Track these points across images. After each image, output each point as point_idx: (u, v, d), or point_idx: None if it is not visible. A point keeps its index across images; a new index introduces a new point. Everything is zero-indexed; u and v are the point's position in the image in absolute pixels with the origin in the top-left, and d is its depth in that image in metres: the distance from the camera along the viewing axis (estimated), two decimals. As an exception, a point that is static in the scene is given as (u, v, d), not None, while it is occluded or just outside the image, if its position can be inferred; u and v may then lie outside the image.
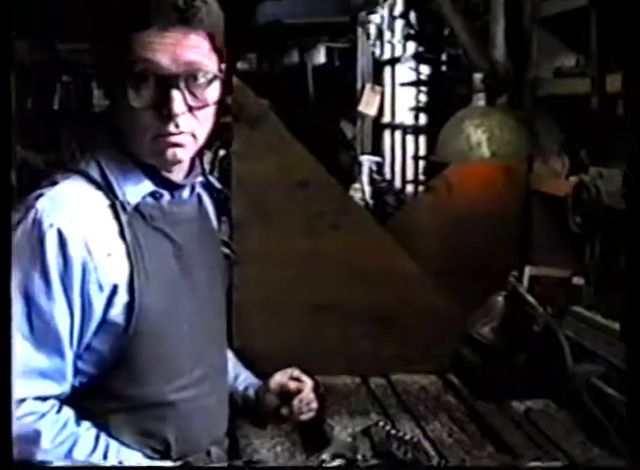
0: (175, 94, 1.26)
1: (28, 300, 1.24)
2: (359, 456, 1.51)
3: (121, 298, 1.29)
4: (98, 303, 1.28)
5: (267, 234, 2.32)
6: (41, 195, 1.28)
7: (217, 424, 1.48)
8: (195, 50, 1.26)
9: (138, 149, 1.33)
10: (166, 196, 1.38)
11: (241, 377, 1.64)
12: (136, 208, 1.33)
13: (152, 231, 1.35)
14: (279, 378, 1.60)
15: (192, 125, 1.30)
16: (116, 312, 1.29)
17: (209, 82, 1.29)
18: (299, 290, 2.33)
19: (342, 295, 2.32)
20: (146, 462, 1.33)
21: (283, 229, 2.38)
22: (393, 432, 1.61)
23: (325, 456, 1.48)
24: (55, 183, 1.31)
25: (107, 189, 1.32)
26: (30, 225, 1.25)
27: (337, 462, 1.44)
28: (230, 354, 1.63)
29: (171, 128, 1.28)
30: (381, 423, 1.67)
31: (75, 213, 1.27)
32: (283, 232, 2.39)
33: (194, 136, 1.32)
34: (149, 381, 1.33)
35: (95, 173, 1.33)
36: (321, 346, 2.18)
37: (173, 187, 1.39)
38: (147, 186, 1.35)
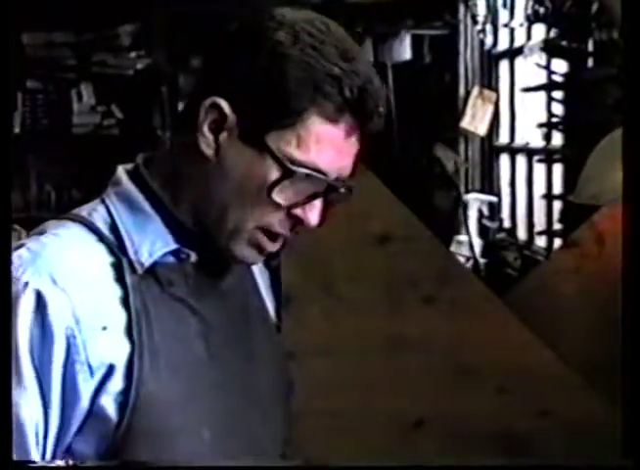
0: (318, 205, 1.42)
1: None
2: None
3: (116, 384, 1.37)
4: (85, 389, 1.36)
5: (332, 312, 2.36)
6: (21, 246, 1.39)
7: None
8: (352, 162, 1.43)
9: (224, 228, 1.44)
10: (193, 256, 1.47)
11: None
12: (150, 269, 1.43)
13: (169, 301, 1.44)
14: None
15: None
16: (107, 402, 1.37)
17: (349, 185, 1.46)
18: (381, 395, 2.36)
19: (444, 402, 2.34)
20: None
21: (355, 305, 2.42)
22: None
23: None
24: (43, 232, 1.43)
25: (114, 244, 1.43)
26: None
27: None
28: None
29: (287, 232, 1.43)
30: None
31: (61, 270, 1.37)
32: (355, 309, 2.43)
33: None
34: None
35: (102, 223, 1.44)
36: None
37: (208, 249, 1.48)
38: (168, 242, 1.45)
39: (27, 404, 1.35)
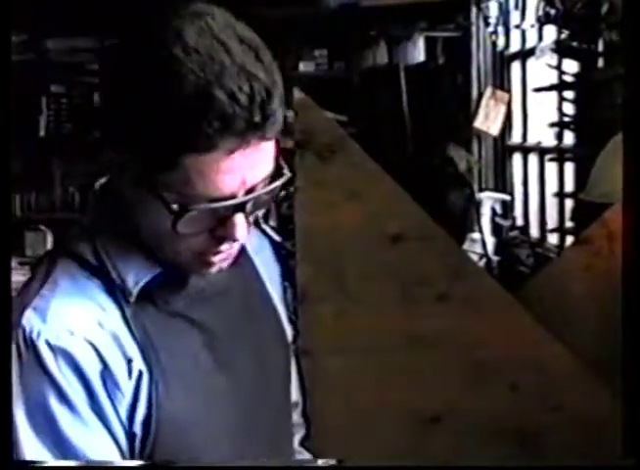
0: (239, 219, 1.37)
1: (59, 439, 1.34)
2: None
3: (140, 412, 1.40)
4: (124, 417, 1.39)
5: (347, 311, 2.34)
6: (25, 307, 1.38)
7: None
8: (265, 164, 1.37)
9: (167, 256, 1.43)
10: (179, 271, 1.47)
11: None
12: (142, 292, 1.41)
13: (168, 319, 1.44)
14: None
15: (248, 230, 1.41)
16: (136, 430, 1.40)
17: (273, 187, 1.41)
18: (395, 392, 2.34)
19: (458, 398, 2.31)
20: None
21: (369, 303, 2.40)
22: None
23: None
24: (41, 279, 1.42)
25: (102, 274, 1.42)
26: (24, 351, 1.35)
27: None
28: None
29: (226, 247, 1.40)
30: None
31: (73, 320, 1.37)
32: (369, 307, 2.41)
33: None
34: None
35: (89, 255, 1.43)
36: (428, 473, 2.17)
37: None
38: (153, 267, 1.44)
39: (103, 447, 1.37)
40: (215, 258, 1.41)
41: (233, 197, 1.34)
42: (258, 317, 1.60)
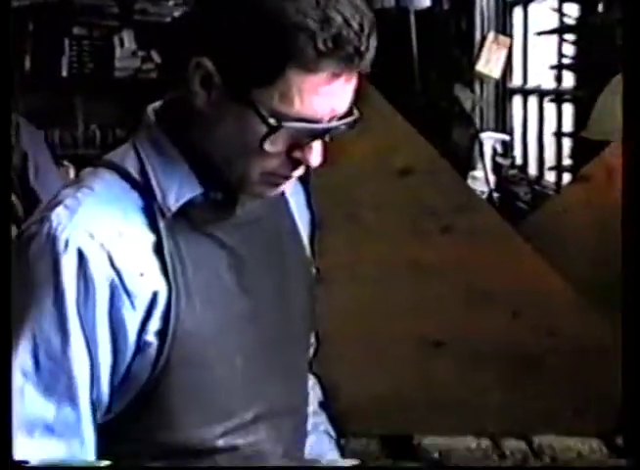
0: (317, 146, 1.36)
1: (36, 334, 1.34)
2: None
3: (154, 324, 1.38)
4: (132, 327, 1.37)
5: (358, 240, 2.33)
6: (57, 204, 1.38)
7: None
8: (349, 98, 1.37)
9: (235, 173, 1.42)
10: (220, 195, 1.46)
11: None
12: (179, 210, 1.41)
13: (200, 238, 1.43)
14: None
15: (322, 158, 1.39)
16: (150, 339, 1.38)
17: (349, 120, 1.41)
18: (402, 318, 2.34)
19: (462, 325, 2.32)
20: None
21: (379, 233, 2.40)
22: None
23: None
24: (80, 183, 1.42)
25: (143, 188, 1.41)
26: (44, 242, 1.34)
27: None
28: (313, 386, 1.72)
29: (296, 173, 1.40)
30: None
31: (97, 225, 1.37)
32: (379, 237, 2.40)
33: None
34: (182, 424, 1.42)
35: (133, 169, 1.42)
36: (434, 395, 2.18)
37: (229, 189, 1.47)
38: (194, 187, 1.43)
39: (76, 354, 1.35)
40: (282, 182, 1.40)
41: (319, 122, 1.34)
42: (286, 252, 1.59)
